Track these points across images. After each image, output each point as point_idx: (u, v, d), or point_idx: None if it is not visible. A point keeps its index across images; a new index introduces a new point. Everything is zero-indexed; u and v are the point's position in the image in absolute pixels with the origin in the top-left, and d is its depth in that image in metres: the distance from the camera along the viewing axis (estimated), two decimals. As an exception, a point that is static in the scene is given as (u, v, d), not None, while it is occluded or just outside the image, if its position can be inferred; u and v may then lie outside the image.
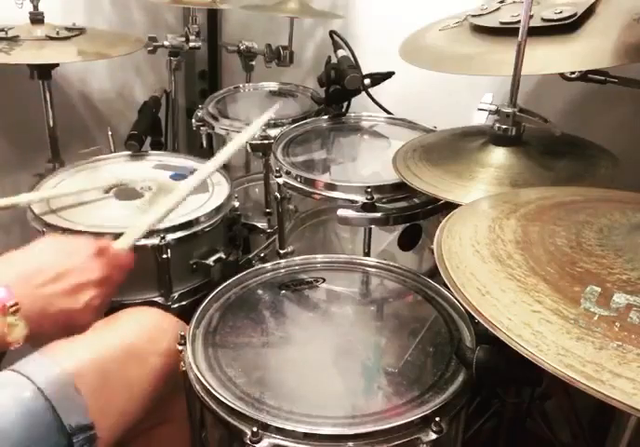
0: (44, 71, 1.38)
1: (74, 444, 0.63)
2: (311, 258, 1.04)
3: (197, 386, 0.76)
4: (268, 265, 1.02)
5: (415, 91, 1.40)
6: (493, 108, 0.97)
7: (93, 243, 0.70)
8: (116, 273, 0.72)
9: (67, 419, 0.60)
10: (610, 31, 0.87)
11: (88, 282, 0.66)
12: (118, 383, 0.74)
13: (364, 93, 1.37)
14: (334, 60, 1.37)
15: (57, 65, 1.40)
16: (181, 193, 0.88)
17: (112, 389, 0.72)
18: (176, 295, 1.14)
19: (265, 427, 0.70)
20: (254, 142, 1.38)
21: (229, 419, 0.72)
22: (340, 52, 1.38)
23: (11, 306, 0.59)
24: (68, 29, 1.36)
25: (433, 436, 0.70)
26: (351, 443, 0.69)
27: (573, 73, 1.04)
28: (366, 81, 1.34)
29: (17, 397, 0.63)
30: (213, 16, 1.94)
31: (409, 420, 0.70)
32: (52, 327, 0.64)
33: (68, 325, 0.66)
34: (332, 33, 1.44)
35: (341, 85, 1.32)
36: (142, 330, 0.85)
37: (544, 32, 0.90)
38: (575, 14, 0.89)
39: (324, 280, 0.99)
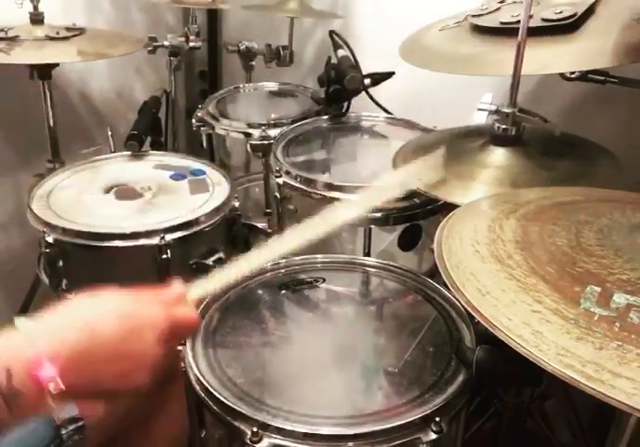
0: (44, 71, 1.38)
1: (63, 436, 0.62)
2: (311, 258, 1.04)
3: (197, 386, 0.76)
4: (268, 265, 1.02)
5: (415, 91, 1.40)
6: (493, 108, 0.97)
7: (163, 316, 0.62)
8: (176, 345, 0.66)
9: (55, 412, 0.59)
10: (610, 31, 0.87)
11: (146, 367, 0.60)
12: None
13: (364, 93, 1.37)
14: (334, 61, 1.37)
15: (57, 65, 1.40)
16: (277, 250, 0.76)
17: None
18: (176, 295, 1.14)
19: (265, 427, 0.70)
20: (254, 142, 1.38)
21: (229, 419, 0.72)
22: (340, 52, 1.38)
23: (55, 393, 0.53)
24: (68, 29, 1.36)
25: (433, 436, 0.70)
26: (351, 443, 0.69)
27: (573, 73, 1.04)
28: (366, 81, 1.34)
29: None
30: (213, 16, 1.94)
31: (409, 420, 0.70)
32: (87, 401, 0.59)
33: (106, 400, 0.60)
34: (332, 33, 1.44)
35: (341, 85, 1.33)
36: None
37: (544, 32, 0.90)
38: (575, 14, 0.89)
39: (324, 280, 0.99)
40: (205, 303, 0.90)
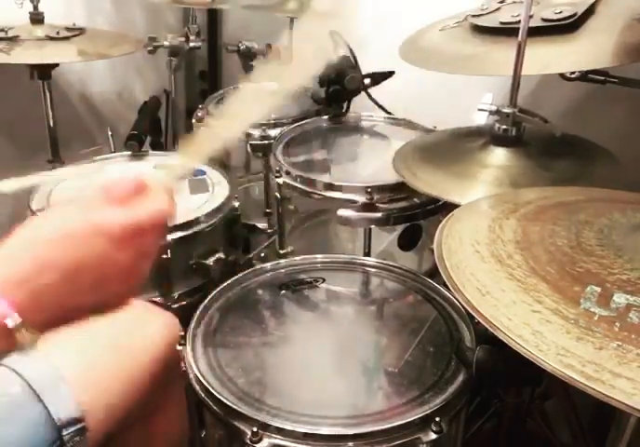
0: (44, 71, 1.38)
1: (64, 437, 0.62)
2: (311, 258, 1.04)
3: (197, 386, 0.76)
4: (268, 265, 1.02)
5: (415, 91, 1.40)
6: (493, 108, 0.97)
7: (112, 226, 0.56)
8: (152, 242, 0.60)
9: (56, 413, 0.59)
10: (610, 31, 0.87)
11: (112, 276, 0.57)
12: (110, 375, 0.72)
13: (364, 93, 1.37)
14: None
15: (57, 65, 1.40)
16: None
17: (102, 383, 0.70)
18: (176, 295, 1.14)
19: (265, 427, 0.70)
20: (254, 142, 1.38)
21: (229, 419, 0.72)
22: (340, 52, 1.38)
23: (13, 326, 0.52)
24: (68, 29, 1.36)
25: (433, 436, 0.70)
26: (351, 443, 0.69)
27: (573, 73, 1.04)
28: (366, 81, 1.34)
29: (4, 392, 0.63)
30: (213, 16, 1.94)
31: (409, 420, 0.70)
32: (76, 320, 0.57)
33: (101, 310, 0.58)
34: (332, 33, 1.44)
35: (341, 85, 1.33)
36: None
37: (544, 32, 0.90)
38: (575, 14, 0.89)
39: (324, 280, 0.99)
40: (205, 301, 0.91)
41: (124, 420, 0.73)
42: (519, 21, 0.85)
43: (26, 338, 0.55)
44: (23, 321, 0.54)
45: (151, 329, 0.75)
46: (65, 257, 0.55)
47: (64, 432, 0.60)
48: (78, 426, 0.62)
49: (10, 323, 0.53)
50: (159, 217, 0.61)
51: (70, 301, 0.57)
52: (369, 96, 1.39)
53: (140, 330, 0.71)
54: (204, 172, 1.31)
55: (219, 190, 1.24)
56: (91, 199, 0.60)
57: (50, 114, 1.45)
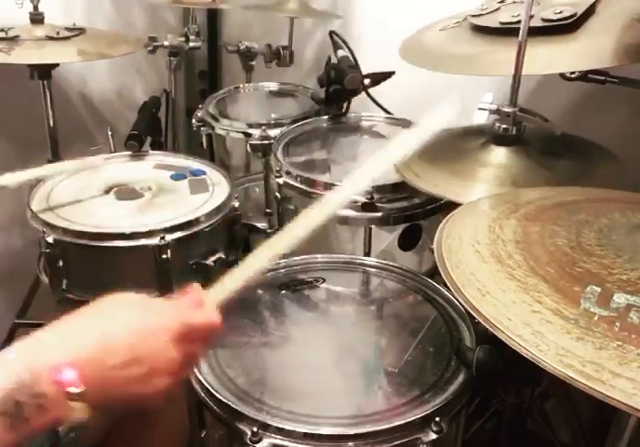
0: (44, 71, 1.38)
1: (59, 433, 0.62)
2: (311, 258, 1.04)
3: (197, 386, 0.76)
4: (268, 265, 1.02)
5: (415, 91, 1.40)
6: (493, 108, 0.97)
7: (177, 320, 0.62)
8: (199, 350, 0.65)
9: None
10: (610, 31, 0.87)
11: (163, 371, 0.60)
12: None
13: (364, 93, 1.37)
14: (334, 60, 1.37)
15: (57, 65, 1.40)
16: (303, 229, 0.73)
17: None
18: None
19: (265, 427, 0.70)
20: (254, 142, 1.38)
21: (229, 419, 0.72)
22: (340, 52, 1.38)
23: (76, 394, 0.54)
24: (68, 29, 1.36)
25: (433, 436, 0.70)
26: (351, 443, 0.69)
27: (573, 73, 1.04)
28: (366, 81, 1.34)
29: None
30: (213, 16, 1.93)
31: (409, 420, 0.70)
32: (114, 408, 0.60)
33: (134, 406, 0.62)
34: (332, 33, 1.44)
35: (341, 85, 1.33)
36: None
37: (544, 32, 0.90)
38: (575, 14, 0.89)
39: (324, 280, 0.99)
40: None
41: (122, 417, 0.73)
42: (519, 21, 0.85)
43: (80, 412, 0.56)
44: (84, 395, 0.55)
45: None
46: (133, 344, 0.59)
47: (59, 428, 0.60)
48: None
49: (73, 391, 0.55)
50: (210, 328, 0.65)
51: (119, 388, 0.59)
52: (369, 96, 1.39)
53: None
54: (204, 172, 1.31)
55: (219, 190, 1.24)
56: (162, 303, 0.66)
57: (50, 113, 1.44)
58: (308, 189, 1.12)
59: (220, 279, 0.70)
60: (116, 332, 0.59)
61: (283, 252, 0.72)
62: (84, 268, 1.13)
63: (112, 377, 0.58)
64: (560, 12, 0.90)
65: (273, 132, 1.35)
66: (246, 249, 1.39)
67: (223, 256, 1.18)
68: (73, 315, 0.60)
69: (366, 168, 0.80)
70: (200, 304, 0.66)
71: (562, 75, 1.07)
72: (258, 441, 0.69)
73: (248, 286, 0.96)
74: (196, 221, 1.13)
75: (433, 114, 0.78)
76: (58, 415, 0.55)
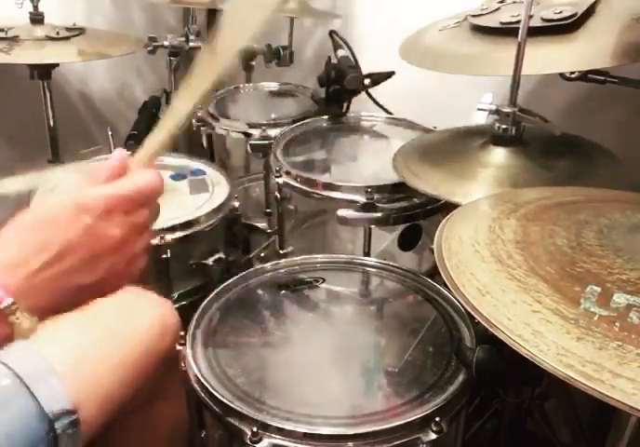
0: (44, 71, 1.38)
1: (57, 430, 0.62)
2: (311, 258, 1.04)
3: (197, 386, 0.76)
4: (268, 265, 1.02)
5: (415, 91, 1.40)
6: (493, 108, 0.97)
7: (98, 195, 0.57)
8: (143, 217, 0.60)
9: (48, 406, 0.59)
10: (610, 31, 0.87)
11: (102, 251, 0.57)
12: (102, 367, 0.72)
13: (364, 93, 1.37)
14: (334, 61, 1.37)
15: (57, 65, 1.40)
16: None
17: (95, 373, 0.70)
18: (176, 295, 1.14)
19: (265, 427, 0.70)
20: (254, 142, 1.38)
21: (229, 419, 0.72)
22: (340, 52, 1.38)
23: (8, 307, 0.53)
24: (68, 29, 1.36)
25: (433, 436, 0.70)
26: (351, 443, 0.69)
27: (573, 73, 1.04)
28: (366, 81, 1.34)
29: None
30: (213, 16, 1.93)
31: (409, 420, 0.70)
32: (77, 302, 0.58)
33: (95, 293, 0.59)
34: (332, 33, 1.44)
35: (341, 85, 1.32)
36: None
37: (544, 32, 0.90)
38: (575, 14, 0.89)
39: (324, 280, 0.99)
40: (205, 301, 0.91)
41: (120, 409, 0.72)
42: (519, 21, 0.85)
43: (23, 323, 0.55)
44: (18, 305, 0.54)
45: (144, 318, 0.73)
46: (50, 239, 0.56)
47: (57, 424, 0.60)
48: (71, 418, 0.62)
49: (3, 306, 0.53)
50: (146, 188, 0.61)
51: (64, 282, 0.57)
52: (369, 96, 1.39)
53: (133, 319, 0.69)
54: (204, 172, 1.31)
55: (219, 190, 1.24)
56: (75, 182, 0.61)
57: (50, 114, 1.44)
58: (308, 189, 1.12)
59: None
60: (29, 230, 0.56)
61: (196, 100, 0.67)
62: (84, 268, 1.13)
63: (45, 276, 0.55)
64: (560, 12, 0.90)
65: (273, 132, 1.35)
66: (246, 249, 1.40)
67: (223, 256, 1.18)
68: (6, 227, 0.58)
69: None
70: (122, 170, 0.62)
71: (562, 75, 1.07)
72: (258, 441, 0.69)
73: (248, 286, 0.97)
74: (196, 221, 1.13)
75: None
76: (2, 334, 0.54)
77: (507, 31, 0.92)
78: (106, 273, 0.58)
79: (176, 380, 0.82)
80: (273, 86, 1.70)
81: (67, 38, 1.33)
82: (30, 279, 0.56)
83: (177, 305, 1.13)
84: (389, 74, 1.35)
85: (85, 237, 0.57)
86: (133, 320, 0.74)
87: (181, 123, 0.67)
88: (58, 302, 0.58)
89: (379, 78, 1.35)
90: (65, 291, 0.57)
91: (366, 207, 1.06)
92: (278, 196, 1.17)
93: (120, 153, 0.63)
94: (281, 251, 1.21)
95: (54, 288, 0.57)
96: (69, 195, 0.59)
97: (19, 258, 0.56)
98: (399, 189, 1.06)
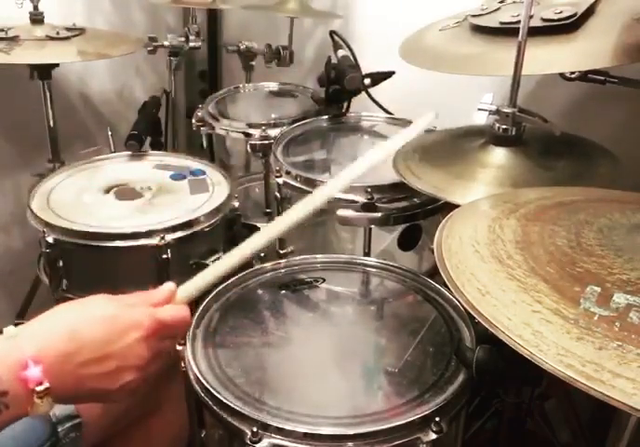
0: (44, 71, 1.38)
1: (59, 433, 0.62)
2: (311, 258, 1.04)
3: (197, 386, 0.76)
4: (268, 265, 1.02)
5: (415, 91, 1.40)
6: (493, 108, 0.97)
7: (147, 317, 0.62)
8: (168, 346, 0.66)
9: (41, 411, 0.59)
10: (610, 31, 0.87)
11: (131, 367, 0.61)
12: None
13: (364, 93, 1.37)
14: (334, 61, 1.37)
15: (57, 65, 1.40)
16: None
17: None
18: (176, 295, 1.14)
19: (265, 427, 0.70)
20: (254, 142, 1.38)
21: (229, 419, 0.72)
22: (340, 52, 1.38)
23: (42, 391, 0.55)
24: (68, 29, 1.36)
25: (433, 436, 0.70)
26: (351, 443, 0.69)
27: (573, 73, 1.04)
28: (366, 81, 1.34)
29: None
30: (213, 16, 1.93)
31: (409, 420, 0.70)
32: (79, 400, 0.61)
33: (98, 399, 0.63)
34: (332, 33, 1.44)
35: (341, 85, 1.33)
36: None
37: (544, 32, 0.90)
38: (575, 14, 0.89)
39: (324, 280, 0.99)
40: (205, 301, 0.91)
41: (122, 417, 0.73)
42: (519, 21, 0.85)
43: (45, 406, 0.56)
44: (49, 390, 0.55)
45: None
46: (103, 340, 0.59)
47: (59, 428, 0.60)
48: (74, 421, 0.62)
49: (39, 389, 0.55)
50: (179, 324, 0.66)
51: (87, 382, 0.59)
52: (369, 96, 1.39)
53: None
54: (204, 172, 1.31)
55: (219, 190, 1.24)
56: (131, 298, 0.66)
57: (50, 114, 1.44)
58: (308, 189, 1.12)
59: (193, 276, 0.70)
60: (86, 329, 0.59)
61: (258, 251, 0.73)
62: (84, 268, 1.13)
63: (79, 373, 0.58)
64: (560, 12, 0.90)
65: (273, 132, 1.35)
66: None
67: (223, 256, 1.18)
68: (47, 312, 0.61)
69: (351, 167, 0.80)
70: (170, 300, 0.66)
71: (562, 75, 1.07)
72: (258, 441, 0.69)
73: (248, 286, 0.97)
74: (196, 221, 1.13)
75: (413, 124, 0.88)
76: (20, 412, 0.55)
77: (507, 31, 0.92)
78: (120, 387, 0.61)
79: (175, 394, 0.82)
80: (273, 86, 1.70)
81: (67, 38, 1.33)
82: (67, 370, 0.57)
83: (177, 305, 1.13)
84: (389, 74, 1.35)
85: (126, 349, 0.60)
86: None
87: (232, 268, 0.73)
88: (70, 397, 0.60)
89: (379, 78, 1.35)
90: (80, 390, 0.59)
91: (366, 207, 1.06)
92: (278, 196, 1.17)
93: (171, 285, 0.68)
94: (281, 251, 1.21)
95: (77, 384, 0.58)
96: (128, 308, 0.63)
97: (67, 348, 0.58)
98: (399, 189, 1.06)
